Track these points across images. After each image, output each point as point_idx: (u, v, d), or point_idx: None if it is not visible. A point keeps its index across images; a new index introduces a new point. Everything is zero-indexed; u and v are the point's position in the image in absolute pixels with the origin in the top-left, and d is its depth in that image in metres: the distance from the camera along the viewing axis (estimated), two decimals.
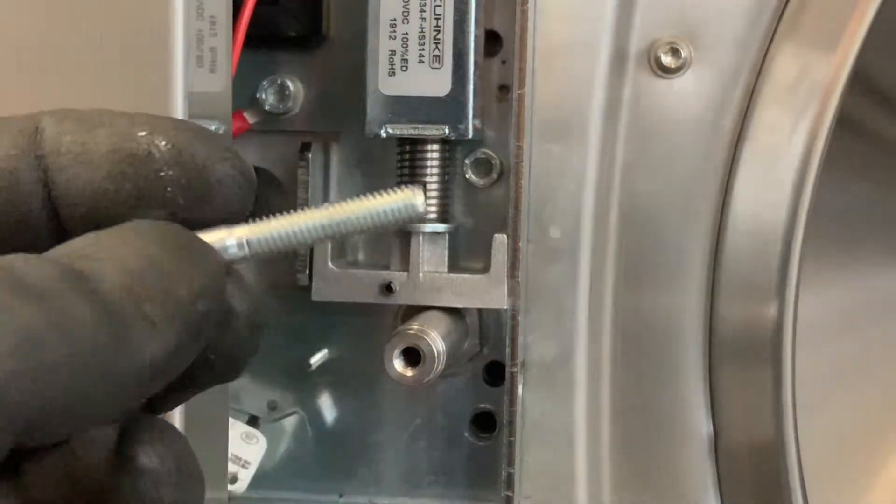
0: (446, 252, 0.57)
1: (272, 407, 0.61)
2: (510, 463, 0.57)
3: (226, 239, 0.30)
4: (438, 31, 0.54)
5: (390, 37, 0.54)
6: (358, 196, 0.31)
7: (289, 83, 0.58)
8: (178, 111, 0.44)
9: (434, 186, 0.56)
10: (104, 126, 0.30)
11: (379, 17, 0.54)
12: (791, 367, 0.55)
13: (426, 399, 0.60)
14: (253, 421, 0.60)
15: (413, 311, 0.57)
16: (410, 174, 0.56)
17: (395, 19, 0.54)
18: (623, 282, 0.57)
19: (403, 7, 0.54)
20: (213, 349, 0.29)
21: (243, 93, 0.58)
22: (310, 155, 0.57)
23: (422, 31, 0.54)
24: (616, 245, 0.57)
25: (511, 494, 0.57)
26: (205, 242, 0.29)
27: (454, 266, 0.58)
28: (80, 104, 0.44)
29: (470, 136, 0.54)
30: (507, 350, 0.56)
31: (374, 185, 0.59)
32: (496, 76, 0.57)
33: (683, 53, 0.55)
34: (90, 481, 0.28)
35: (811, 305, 0.60)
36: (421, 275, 0.56)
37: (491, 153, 0.58)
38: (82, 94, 0.44)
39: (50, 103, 0.44)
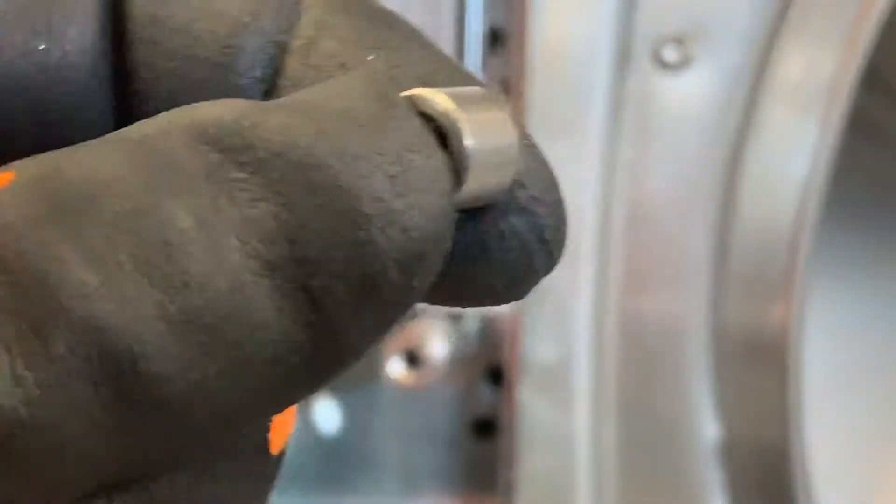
0: None
1: None
2: (510, 467, 0.57)
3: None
4: (438, 28, 0.54)
5: None
6: None
7: None
8: None
9: None
10: None
11: None
12: (798, 369, 0.55)
13: (426, 402, 0.60)
14: None
15: (413, 313, 0.57)
16: None
17: None
18: (626, 283, 0.57)
19: (402, 3, 0.54)
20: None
21: None
22: None
23: (421, 28, 0.54)
24: (619, 245, 0.57)
25: (510, 499, 0.57)
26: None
27: None
28: None
29: None
30: (508, 353, 0.56)
31: None
32: (497, 74, 0.57)
33: (688, 50, 0.55)
34: None
35: (818, 307, 0.60)
36: None
37: None
38: None
39: None
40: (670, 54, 0.55)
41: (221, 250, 0.15)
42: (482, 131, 0.16)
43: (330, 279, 0.15)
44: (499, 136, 0.16)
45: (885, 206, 0.67)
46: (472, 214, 0.17)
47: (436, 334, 0.53)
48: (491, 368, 0.59)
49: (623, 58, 0.56)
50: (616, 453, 0.58)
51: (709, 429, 0.57)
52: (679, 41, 0.55)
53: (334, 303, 0.15)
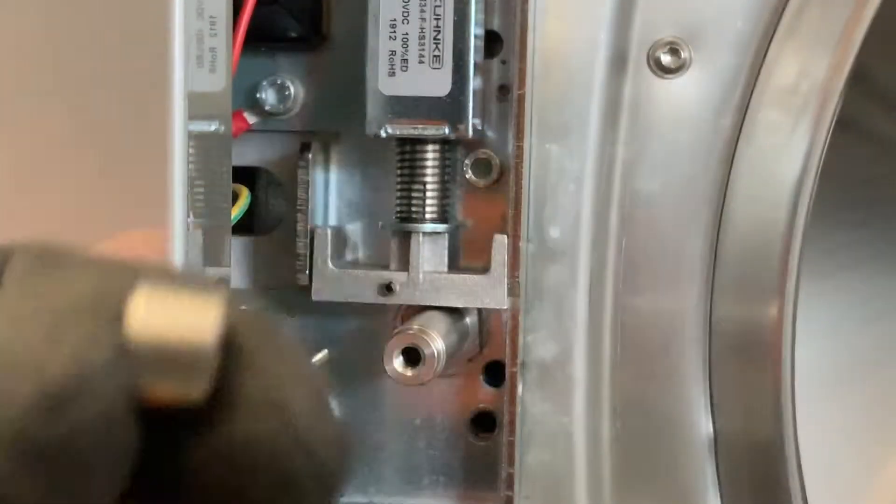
0: (446, 252, 0.57)
1: None
2: (510, 463, 0.57)
3: None
4: (438, 31, 0.54)
5: (390, 37, 0.54)
6: None
7: (289, 83, 0.58)
8: (177, 111, 0.43)
9: (434, 186, 0.56)
10: None
11: (379, 17, 0.54)
12: (791, 367, 0.55)
13: (426, 399, 0.60)
14: None
15: (413, 311, 0.57)
16: (410, 174, 0.56)
17: (395, 19, 0.54)
18: (623, 282, 0.57)
19: (403, 7, 0.54)
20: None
21: (243, 93, 0.58)
22: (310, 155, 0.57)
23: (422, 32, 0.54)
24: (616, 245, 0.57)
25: (511, 494, 0.57)
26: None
27: (454, 266, 0.58)
28: (79, 104, 0.44)
29: (470, 136, 0.54)
30: (507, 350, 0.56)
31: (374, 184, 0.59)
32: (496, 76, 0.57)
33: (683, 54, 0.55)
34: None
35: (811, 306, 0.59)
36: (421, 275, 0.56)
37: (491, 153, 0.58)
38: (81, 94, 0.44)
39: (48, 104, 0.44)
40: (666, 58, 0.56)
41: None
42: (160, 328, 0.19)
43: None
44: (184, 337, 0.19)
45: (877, 207, 0.67)
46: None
47: (435, 331, 0.53)
48: (490, 365, 0.59)
49: (620, 61, 0.56)
50: (612, 449, 0.58)
51: (703, 425, 0.57)
52: (675, 46, 0.55)
53: None
